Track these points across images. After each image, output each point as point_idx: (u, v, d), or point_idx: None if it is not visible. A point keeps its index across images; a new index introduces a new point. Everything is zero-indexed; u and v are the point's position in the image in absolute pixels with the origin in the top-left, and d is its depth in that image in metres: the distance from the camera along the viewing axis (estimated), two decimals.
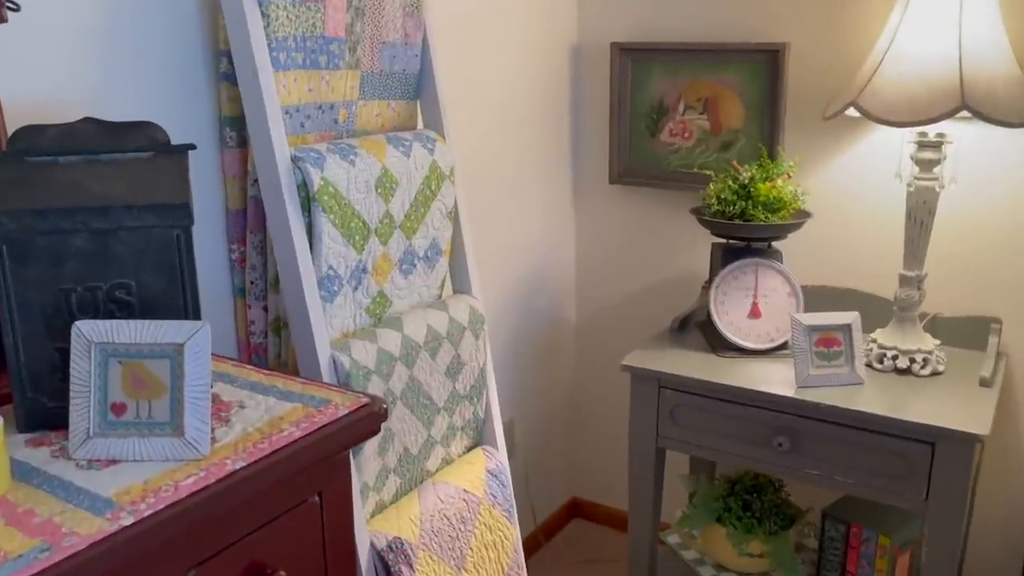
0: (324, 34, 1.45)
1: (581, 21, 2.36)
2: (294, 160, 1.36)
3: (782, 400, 1.74)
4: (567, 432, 2.64)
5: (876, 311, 1.97)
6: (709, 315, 1.96)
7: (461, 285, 1.75)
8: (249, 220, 1.45)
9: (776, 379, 1.81)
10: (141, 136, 1.05)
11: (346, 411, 1.05)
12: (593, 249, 2.48)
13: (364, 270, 1.50)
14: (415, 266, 1.62)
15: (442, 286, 1.71)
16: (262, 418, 1.02)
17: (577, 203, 2.48)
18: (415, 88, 1.68)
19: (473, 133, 2.05)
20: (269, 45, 1.34)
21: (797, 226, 1.92)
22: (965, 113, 1.60)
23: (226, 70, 1.40)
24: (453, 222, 1.69)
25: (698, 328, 2.12)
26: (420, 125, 1.72)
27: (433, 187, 1.62)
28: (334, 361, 1.40)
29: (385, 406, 1.09)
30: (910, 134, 1.78)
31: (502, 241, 2.22)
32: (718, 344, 1.97)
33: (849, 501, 2.03)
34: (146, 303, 0.99)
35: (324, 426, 1.01)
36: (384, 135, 1.57)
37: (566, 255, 2.49)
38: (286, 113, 1.41)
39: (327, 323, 1.43)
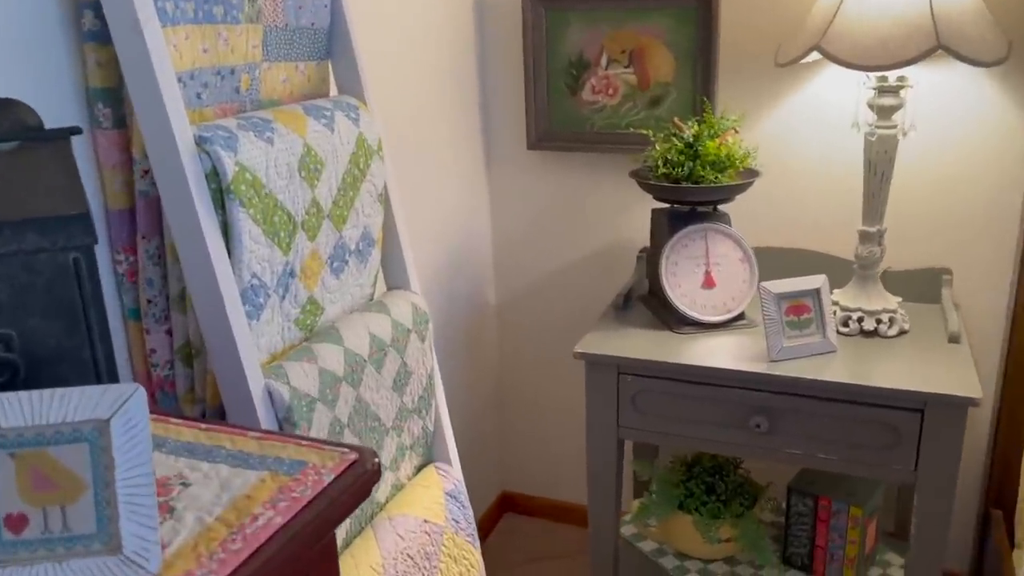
0: None
1: None
2: (199, 142, 1.05)
3: (758, 377, 1.60)
4: (495, 424, 2.43)
5: (829, 270, 1.86)
6: (661, 288, 1.78)
7: (397, 279, 1.48)
8: (139, 223, 1.12)
9: (744, 354, 1.66)
10: None
11: (331, 475, 0.78)
12: (511, 223, 2.26)
13: (292, 274, 1.21)
14: (347, 262, 1.34)
15: (375, 283, 1.44)
16: (220, 500, 0.74)
17: (492, 173, 2.24)
18: (326, 46, 1.38)
19: (385, 97, 1.77)
20: None
21: (747, 186, 1.77)
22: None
23: (92, 27, 1.06)
24: (384, 205, 1.42)
25: (642, 302, 1.95)
26: (333, 91, 1.43)
27: (362, 165, 1.34)
28: (269, 393, 1.11)
29: (377, 460, 0.83)
30: (868, 79, 1.65)
31: (413, 220, 1.95)
32: (671, 319, 1.80)
33: (809, 473, 1.93)
34: (37, 362, 0.68)
35: (311, 502, 0.75)
36: (299, 105, 1.27)
37: (482, 231, 2.25)
38: (178, 81, 1.09)
39: (255, 344, 1.14)
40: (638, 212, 2.09)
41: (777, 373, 1.58)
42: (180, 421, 0.89)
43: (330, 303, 1.31)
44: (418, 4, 1.89)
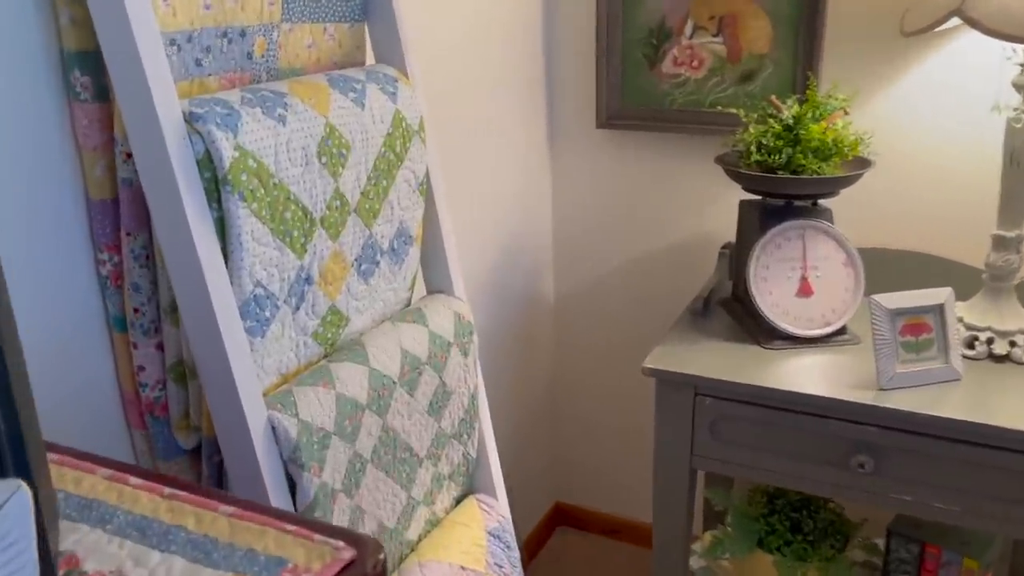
0: None
1: None
2: (189, 120, 0.85)
3: (863, 409, 1.34)
4: (549, 429, 2.21)
5: (952, 280, 1.58)
6: (748, 294, 1.53)
7: (438, 282, 1.27)
8: (123, 216, 0.93)
9: (847, 378, 1.40)
10: None
11: None
12: (575, 211, 2.02)
13: (309, 279, 1.01)
14: (378, 264, 1.13)
15: (412, 285, 1.23)
16: None
17: (555, 154, 2.00)
18: (362, 5, 1.16)
19: (425, 73, 1.55)
20: None
21: (856, 178, 1.50)
22: None
23: None
24: (425, 196, 1.21)
25: (723, 308, 1.70)
26: (370, 59, 1.21)
27: (398, 149, 1.12)
28: (272, 426, 0.91)
29: (383, 557, 0.62)
30: (1016, 53, 1.36)
31: (464, 207, 1.73)
32: (759, 331, 1.55)
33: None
34: None
35: None
36: (324, 75, 1.06)
37: (542, 220, 2.02)
38: (171, 44, 0.89)
39: (258, 367, 0.94)
40: (723, 203, 1.84)
41: (888, 405, 1.32)
42: (140, 482, 0.69)
43: (357, 312, 1.11)
44: None
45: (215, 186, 0.87)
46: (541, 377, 2.13)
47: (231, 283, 0.89)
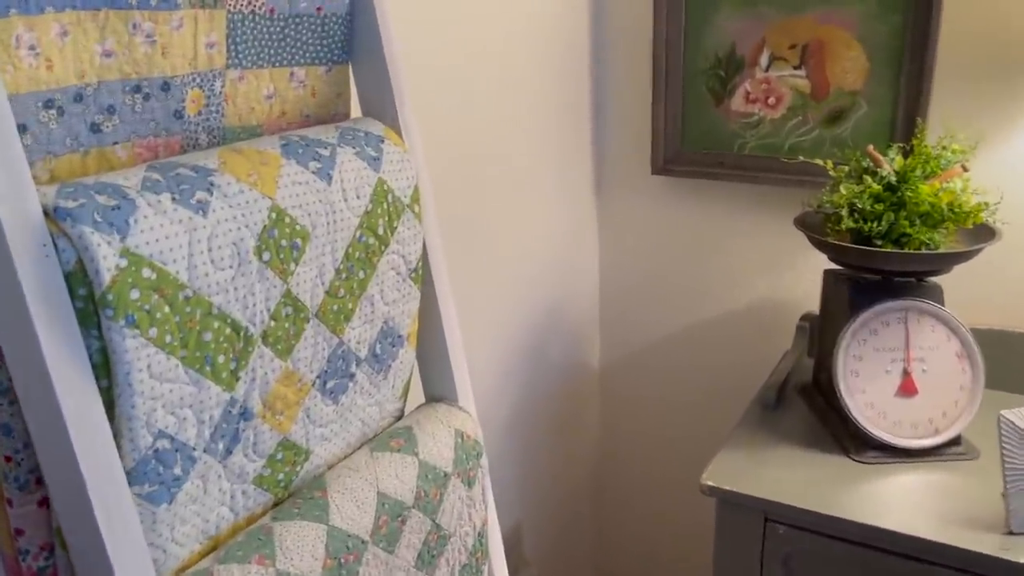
0: None
1: None
2: (51, 217, 0.60)
3: (987, 561, 1.03)
4: (590, 516, 1.93)
5: None
6: (836, 391, 1.24)
7: (439, 387, 1.01)
8: None
9: (964, 512, 1.10)
10: None
11: None
12: (626, 267, 1.74)
13: (246, 414, 0.75)
14: (352, 377, 0.87)
15: (405, 392, 0.98)
16: None
17: (603, 202, 1.72)
18: (343, 42, 0.91)
19: (445, 108, 1.29)
20: None
21: (976, 252, 1.20)
22: None
23: None
24: (421, 282, 0.95)
25: (802, 398, 1.40)
26: (355, 111, 0.96)
27: (381, 230, 0.87)
28: None
29: None
30: None
31: (498, 264, 1.47)
32: (848, 437, 1.25)
33: None
34: None
35: None
36: (280, 138, 0.81)
37: (587, 277, 1.75)
38: (46, 106, 0.65)
39: (165, 541, 0.69)
40: (802, 266, 1.54)
41: (1017, 560, 1.02)
42: None
43: (321, 441, 0.85)
44: None
45: (92, 307, 0.62)
46: (584, 453, 1.85)
47: (121, 437, 0.64)
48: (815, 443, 1.27)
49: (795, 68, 1.45)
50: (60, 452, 0.61)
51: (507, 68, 1.42)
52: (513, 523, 1.60)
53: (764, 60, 1.47)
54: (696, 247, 1.65)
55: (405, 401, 0.98)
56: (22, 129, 0.63)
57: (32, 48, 0.63)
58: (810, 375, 1.43)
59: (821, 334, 1.38)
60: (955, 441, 1.23)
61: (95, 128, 0.70)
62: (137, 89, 0.72)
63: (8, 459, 0.71)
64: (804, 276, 1.53)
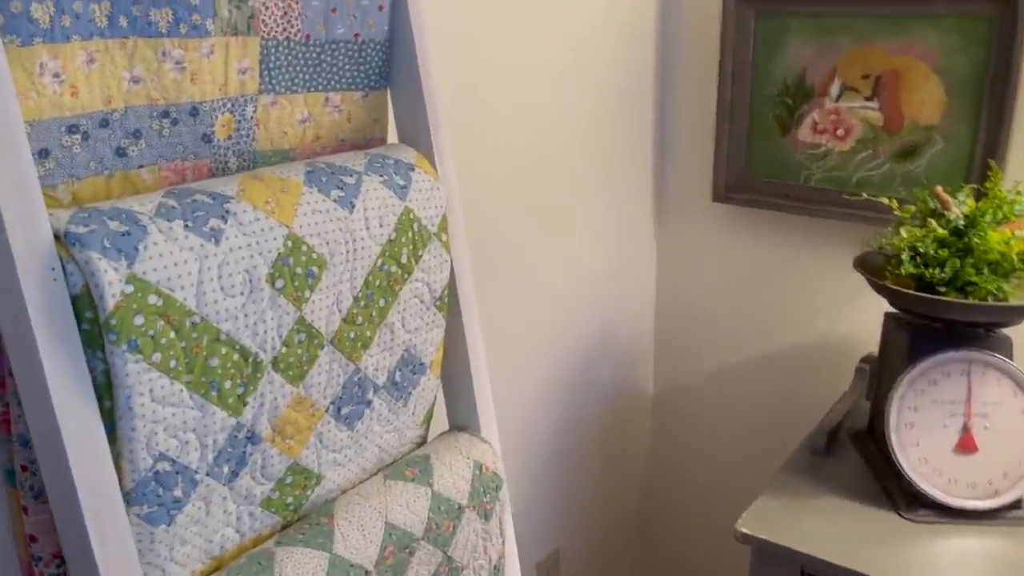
0: None
1: None
2: (63, 241, 0.62)
3: None
4: (637, 545, 1.89)
5: None
6: (888, 442, 1.17)
7: (463, 416, 1.00)
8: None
9: None
10: None
11: None
12: (683, 294, 1.69)
13: (253, 438, 0.76)
14: (369, 404, 0.87)
15: (428, 419, 0.97)
16: None
17: (662, 229, 1.68)
18: (381, 68, 0.91)
19: (495, 127, 1.28)
20: None
21: None
22: None
23: None
24: (447, 311, 0.94)
25: (855, 445, 1.34)
26: (392, 136, 0.96)
27: (404, 259, 0.86)
28: None
29: None
30: None
31: (546, 286, 1.45)
32: (899, 493, 1.19)
33: None
34: None
35: None
36: (305, 165, 0.81)
37: (643, 302, 1.71)
38: (70, 131, 0.67)
39: (164, 560, 0.70)
40: (865, 305, 1.47)
41: None
42: None
43: (334, 466, 0.85)
44: (577, 2, 1.38)
45: (97, 329, 0.63)
46: (632, 479, 1.82)
47: (121, 458, 0.66)
48: (863, 495, 1.21)
49: (867, 99, 1.39)
50: (58, 468, 0.63)
51: (566, 88, 1.40)
52: (552, 548, 1.58)
53: (835, 90, 1.41)
54: (755, 277, 1.59)
55: (428, 428, 0.98)
56: (44, 153, 0.65)
57: (56, 75, 0.65)
58: (866, 423, 1.37)
59: (878, 380, 1.31)
60: (1016, 504, 1.15)
61: (120, 152, 0.71)
62: (165, 114, 0.74)
63: (24, 468, 0.73)
64: (867, 315, 1.46)
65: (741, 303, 1.62)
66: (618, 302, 1.63)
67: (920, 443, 1.16)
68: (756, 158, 1.51)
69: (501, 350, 1.31)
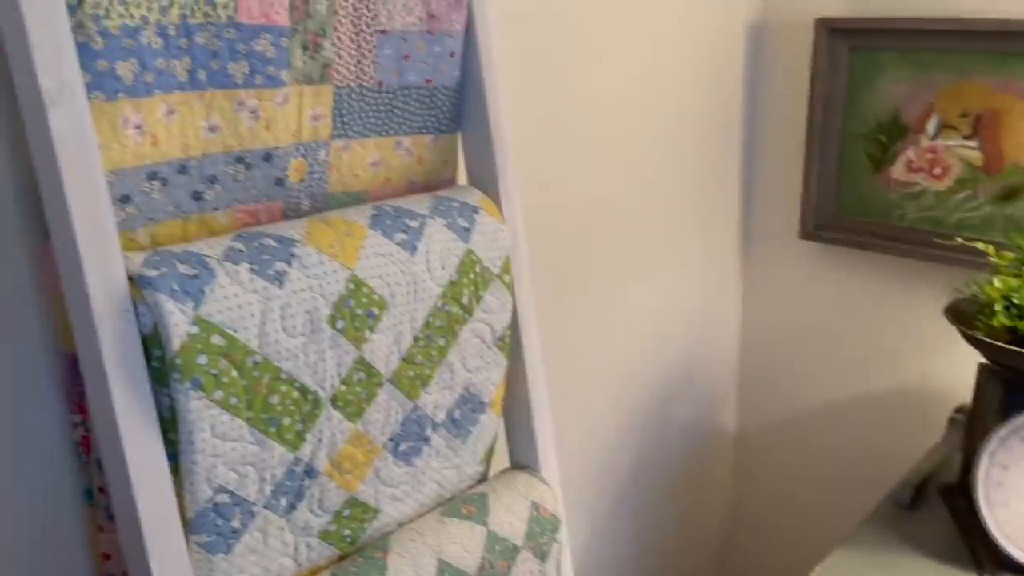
0: (237, 19, 0.73)
1: None
2: (136, 284, 0.66)
3: None
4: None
5: None
6: (974, 502, 1.11)
7: (523, 455, 1.01)
8: None
9: None
10: None
11: None
12: (768, 332, 1.65)
13: (311, 472, 0.79)
14: (427, 440, 0.89)
15: (488, 456, 0.98)
16: None
17: (746, 266, 1.65)
18: (452, 111, 0.93)
19: (572, 160, 1.29)
20: (86, 45, 0.64)
21: None
22: None
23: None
24: (509, 350, 0.95)
25: (944, 500, 1.27)
26: (462, 177, 0.98)
27: (466, 300, 0.88)
28: None
29: None
30: None
31: (623, 322, 1.44)
32: (985, 554, 1.12)
33: None
34: None
35: None
36: (372, 208, 0.84)
37: (726, 340, 1.68)
38: (150, 178, 0.71)
39: None
40: (960, 353, 1.39)
41: None
42: None
43: (391, 501, 0.87)
44: (661, 37, 1.38)
45: (164, 366, 0.67)
46: (710, 526, 1.78)
47: (184, 489, 0.69)
48: (947, 554, 1.15)
49: (966, 138, 1.32)
50: (124, 495, 0.67)
51: (647, 119, 1.40)
52: None
53: (931, 127, 1.35)
54: (843, 319, 1.54)
55: (488, 465, 0.99)
56: (126, 199, 0.70)
57: (138, 127, 0.69)
58: (955, 478, 1.30)
59: (970, 433, 1.24)
60: None
61: (197, 196, 0.76)
62: (240, 160, 0.78)
63: (101, 490, 0.79)
64: (962, 363, 1.39)
65: (828, 345, 1.57)
66: (699, 339, 1.61)
67: (1010, 504, 1.10)
68: (846, 195, 1.46)
69: (570, 387, 1.32)
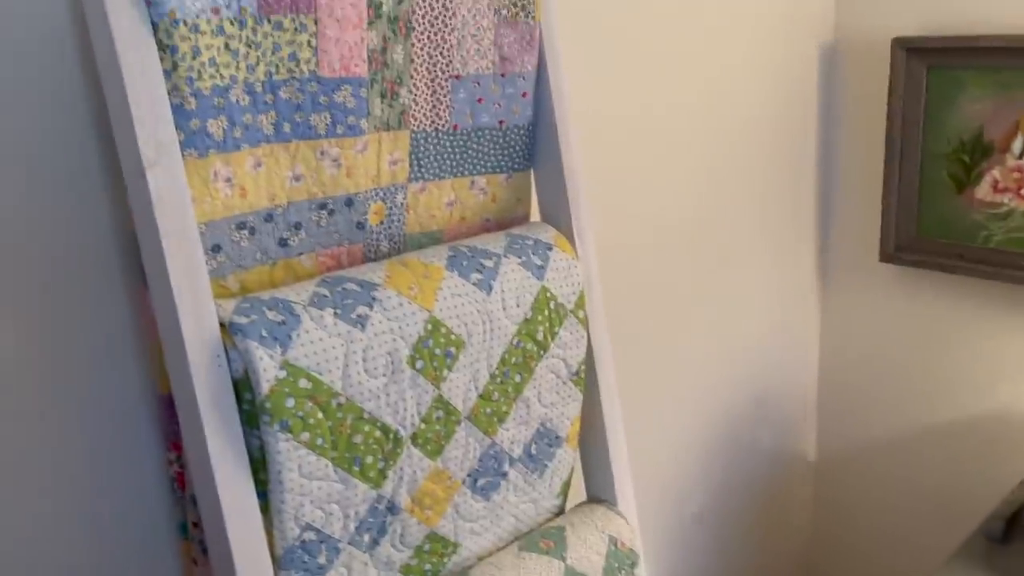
0: (319, 73, 0.76)
1: (841, 5, 1.50)
2: (227, 330, 0.70)
3: None
4: None
5: None
6: None
7: (600, 488, 1.01)
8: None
9: None
10: None
11: None
12: (848, 357, 1.62)
13: (393, 508, 0.81)
14: (505, 475, 0.90)
15: (565, 490, 0.99)
16: None
17: (825, 289, 1.62)
18: (523, 149, 0.95)
19: (647, 186, 1.29)
20: (180, 106, 0.68)
21: None
22: None
23: None
24: (584, 385, 0.96)
25: None
26: (535, 212, 0.99)
27: (541, 336, 0.89)
28: None
29: None
30: None
31: (698, 349, 1.43)
32: None
33: None
34: None
35: None
36: (447, 249, 0.86)
37: (804, 365, 1.65)
38: (239, 228, 0.75)
39: None
40: None
41: None
42: None
43: (471, 535, 0.89)
44: (735, 58, 1.37)
45: (254, 408, 0.70)
46: (789, 558, 1.74)
47: (273, 527, 0.72)
48: None
49: None
50: (217, 532, 0.70)
51: (720, 140, 1.39)
52: None
53: (1017, 146, 1.31)
54: (928, 344, 1.49)
55: (565, 498, 0.99)
56: (216, 249, 0.73)
57: (228, 180, 0.73)
58: None
59: None
60: None
61: (283, 242, 0.79)
62: (323, 206, 0.81)
63: (195, 525, 0.82)
64: None
65: (911, 370, 1.52)
66: (777, 364, 1.58)
67: None
68: (927, 217, 1.43)
69: (645, 417, 1.31)
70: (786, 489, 1.68)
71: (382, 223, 0.86)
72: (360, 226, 0.84)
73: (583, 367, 0.94)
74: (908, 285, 1.49)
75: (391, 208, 0.87)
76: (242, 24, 0.71)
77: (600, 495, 1.01)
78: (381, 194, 0.85)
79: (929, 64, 1.37)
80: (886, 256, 1.48)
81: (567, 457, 0.96)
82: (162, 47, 0.66)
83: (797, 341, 1.62)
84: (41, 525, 0.79)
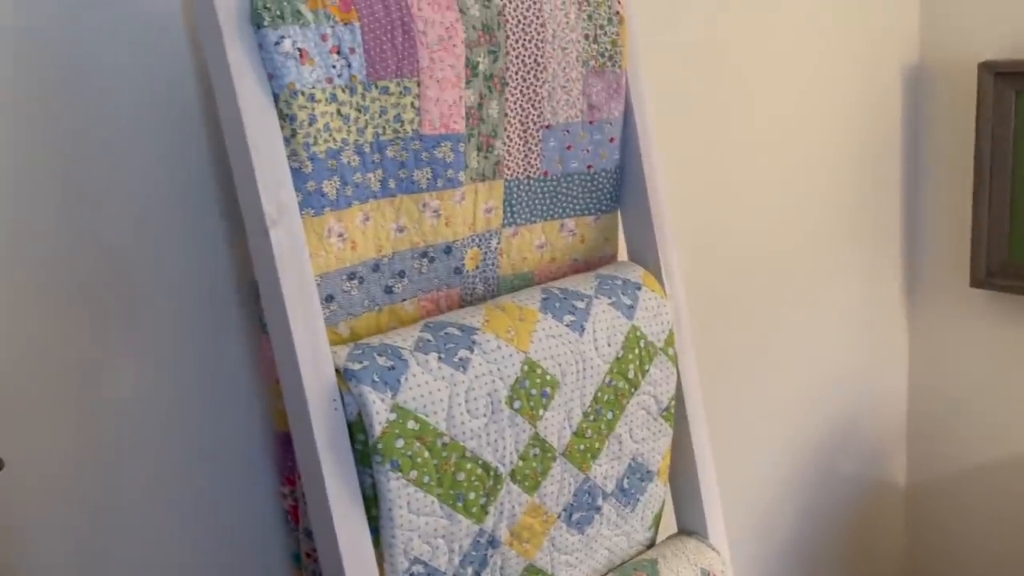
0: (421, 132, 0.81)
1: (925, 27, 1.49)
2: (342, 376, 0.75)
3: None
4: None
5: None
6: None
7: (691, 521, 1.03)
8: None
9: None
10: None
11: None
12: (939, 385, 1.59)
13: (493, 542, 0.84)
14: (599, 510, 0.93)
15: (656, 523, 1.01)
16: None
17: (914, 315, 1.60)
18: (611, 192, 0.98)
19: (730, 214, 1.31)
20: (298, 169, 0.73)
21: None
22: None
23: None
24: (673, 420, 0.98)
25: None
26: (622, 252, 1.02)
27: (632, 374, 0.92)
28: None
29: None
30: None
31: (786, 378, 1.44)
32: None
33: None
34: None
35: None
36: (540, 292, 0.90)
37: (892, 394, 1.63)
38: (350, 279, 0.80)
39: None
40: None
41: None
42: None
43: (566, 567, 0.92)
44: (818, 81, 1.38)
45: (367, 449, 0.75)
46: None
47: (383, 561, 0.77)
48: None
49: None
50: (333, 565, 0.75)
51: (806, 165, 1.40)
52: None
53: None
54: (1020, 370, 1.46)
55: (656, 530, 1.02)
56: (329, 299, 0.79)
57: (340, 235, 0.78)
58: None
59: None
60: None
61: (388, 290, 0.84)
62: (424, 254, 0.85)
63: (308, 555, 0.87)
64: None
65: (1005, 396, 1.49)
66: (866, 392, 1.57)
67: None
68: (1020, 242, 1.40)
69: (734, 449, 1.32)
70: (877, 518, 1.65)
71: (478, 267, 0.91)
72: (458, 271, 0.89)
73: (673, 403, 0.97)
74: (999, 311, 1.47)
75: (486, 253, 0.91)
76: (352, 91, 0.76)
77: (691, 528, 1.03)
78: (477, 240, 0.89)
79: (1018, 89, 1.35)
80: (976, 281, 1.46)
81: (658, 491, 0.99)
82: (282, 116, 0.72)
83: (886, 368, 1.60)
84: (164, 550, 0.85)
